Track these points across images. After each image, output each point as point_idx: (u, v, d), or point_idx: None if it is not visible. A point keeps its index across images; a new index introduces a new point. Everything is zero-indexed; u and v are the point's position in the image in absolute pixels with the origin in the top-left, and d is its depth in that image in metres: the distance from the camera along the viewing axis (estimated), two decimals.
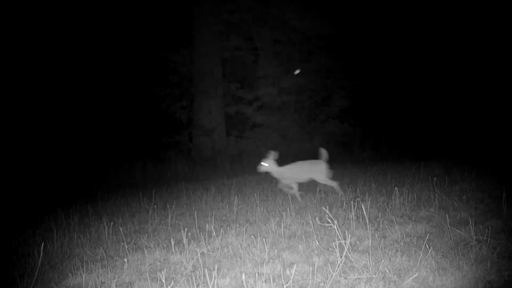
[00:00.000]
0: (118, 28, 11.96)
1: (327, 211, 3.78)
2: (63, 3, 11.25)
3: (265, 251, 3.37)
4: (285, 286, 2.71)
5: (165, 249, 3.62)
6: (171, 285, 2.74)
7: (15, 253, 3.77)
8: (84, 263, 3.34)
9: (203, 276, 2.91)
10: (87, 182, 8.90)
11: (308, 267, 2.98)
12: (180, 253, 3.46)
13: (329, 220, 3.45)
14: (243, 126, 12.78)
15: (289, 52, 12.78)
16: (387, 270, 2.86)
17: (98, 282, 2.99)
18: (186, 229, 3.80)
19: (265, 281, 2.82)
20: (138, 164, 9.85)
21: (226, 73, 12.25)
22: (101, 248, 3.78)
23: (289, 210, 4.80)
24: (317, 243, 3.41)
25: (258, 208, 4.93)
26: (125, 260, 3.28)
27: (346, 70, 12.76)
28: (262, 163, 5.57)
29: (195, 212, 5.12)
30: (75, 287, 2.99)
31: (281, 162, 5.80)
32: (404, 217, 4.25)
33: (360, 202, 4.39)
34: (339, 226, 3.36)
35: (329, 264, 3.02)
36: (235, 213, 4.98)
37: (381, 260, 3.02)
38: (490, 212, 4.16)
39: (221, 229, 4.03)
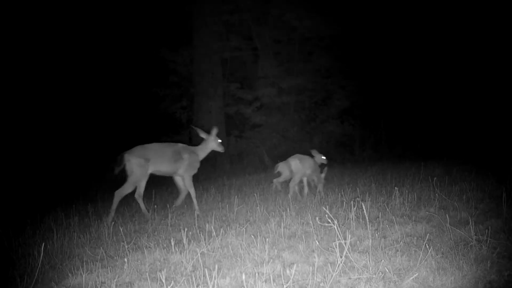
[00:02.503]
0: (118, 28, 11.95)
1: (327, 211, 3.78)
2: (63, 3, 11.24)
3: (265, 251, 3.37)
4: (285, 286, 2.71)
5: (165, 249, 3.61)
6: (171, 285, 2.74)
7: (15, 253, 3.76)
8: (84, 263, 3.33)
9: (203, 276, 2.90)
10: (87, 182, 8.91)
11: (308, 267, 2.98)
12: (180, 253, 3.45)
13: (329, 220, 3.44)
14: (243, 126, 12.78)
15: (289, 52, 12.78)
16: (387, 270, 2.86)
17: (98, 282, 2.98)
18: (186, 229, 3.80)
19: (265, 281, 2.82)
20: None
21: (226, 73, 12.23)
22: (101, 248, 3.77)
23: (289, 210, 4.80)
24: (317, 243, 3.40)
25: (258, 208, 4.93)
26: (125, 260, 3.27)
27: (346, 70, 12.76)
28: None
29: (195, 212, 5.13)
30: (75, 287, 2.99)
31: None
32: (404, 217, 4.25)
33: (360, 202, 4.39)
34: (339, 226, 3.35)
35: (329, 264, 3.01)
36: (235, 213, 4.98)
37: (381, 260, 3.02)
38: (490, 212, 4.16)
39: (221, 229, 4.02)
